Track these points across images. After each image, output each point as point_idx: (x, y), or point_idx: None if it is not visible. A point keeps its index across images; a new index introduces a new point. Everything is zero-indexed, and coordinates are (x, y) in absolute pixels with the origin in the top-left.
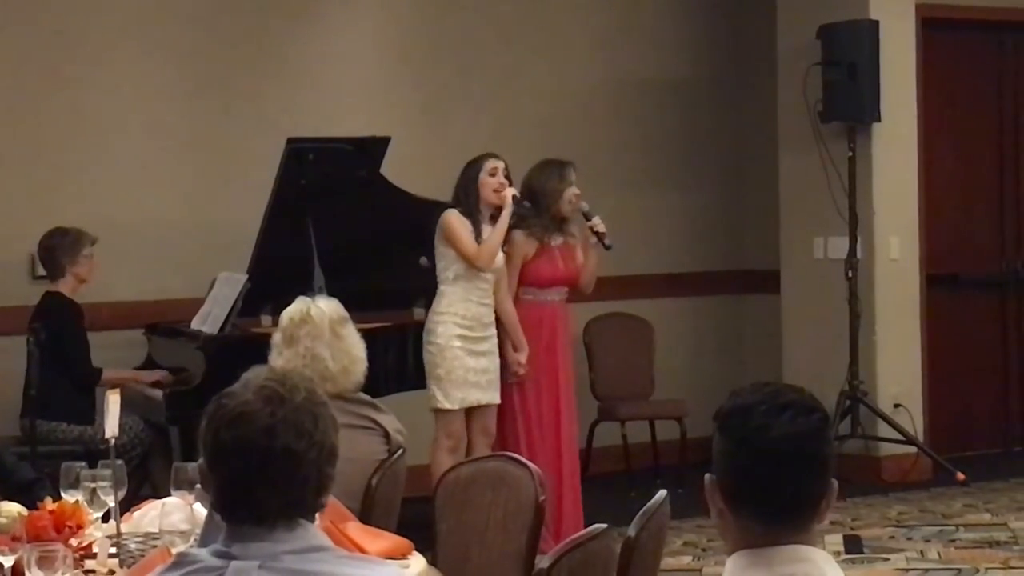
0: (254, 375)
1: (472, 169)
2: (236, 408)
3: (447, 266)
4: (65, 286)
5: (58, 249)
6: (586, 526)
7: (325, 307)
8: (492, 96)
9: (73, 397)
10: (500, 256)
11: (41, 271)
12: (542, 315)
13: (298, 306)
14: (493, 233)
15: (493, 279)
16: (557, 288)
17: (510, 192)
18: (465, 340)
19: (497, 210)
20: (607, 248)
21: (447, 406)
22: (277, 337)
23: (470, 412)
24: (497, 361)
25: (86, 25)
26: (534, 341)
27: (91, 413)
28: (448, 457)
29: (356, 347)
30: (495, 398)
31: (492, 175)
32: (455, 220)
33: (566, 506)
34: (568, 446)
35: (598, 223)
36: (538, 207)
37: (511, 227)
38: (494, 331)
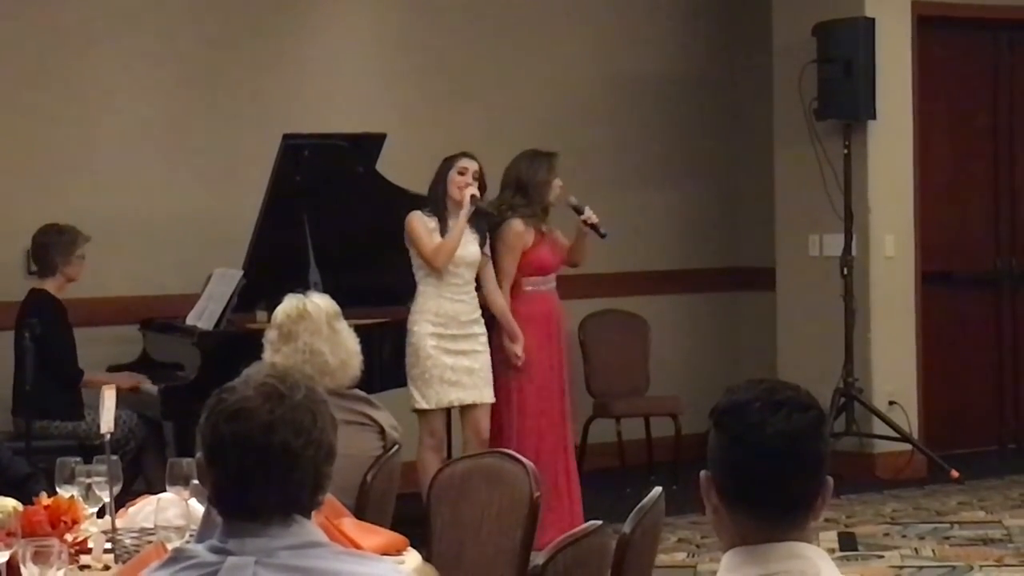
0: (255, 371)
1: (445, 166)
2: (236, 403)
3: (418, 265)
4: (52, 284)
5: (53, 247)
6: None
7: (320, 302)
8: (488, 93)
9: (60, 394)
10: (473, 251)
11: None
12: (546, 306)
13: (293, 302)
14: (449, 233)
15: (470, 275)
16: (553, 275)
17: (469, 191)
18: (440, 338)
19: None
20: (603, 236)
21: (424, 405)
22: (272, 334)
23: (463, 412)
24: (486, 359)
25: (80, 21)
26: (541, 333)
27: (80, 409)
28: (432, 456)
29: (351, 340)
30: (483, 397)
31: (461, 174)
32: (415, 221)
33: (574, 501)
34: (569, 440)
35: (590, 215)
36: (528, 197)
37: (508, 217)
38: (479, 329)
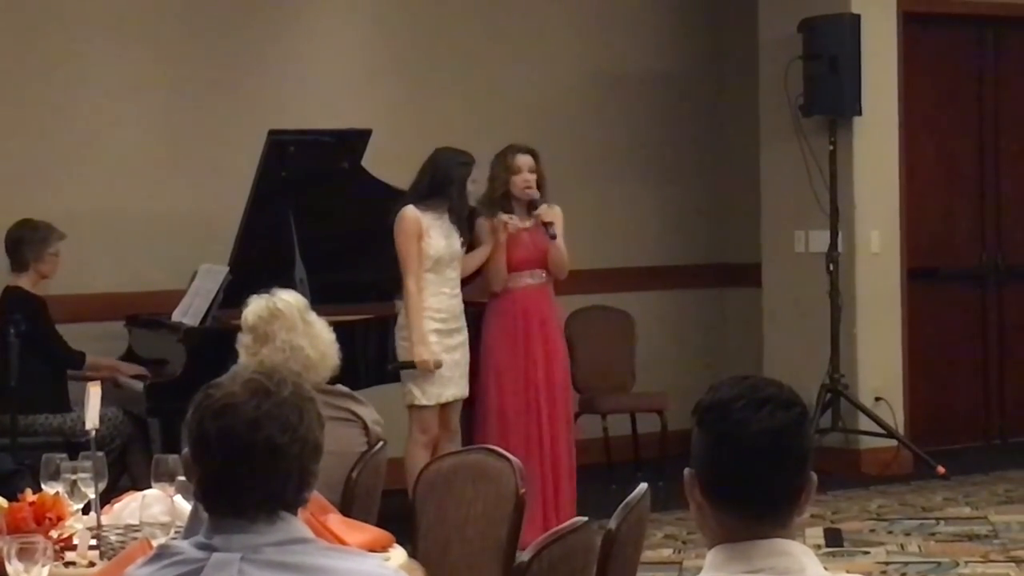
0: (243, 367)
1: (464, 170)
2: (222, 399)
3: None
4: (26, 280)
5: (26, 243)
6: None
7: (288, 298)
8: (473, 89)
9: (46, 388)
10: (457, 245)
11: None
12: (514, 304)
13: (261, 303)
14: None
15: (459, 269)
16: (530, 271)
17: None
18: (441, 334)
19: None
20: (552, 238)
21: (423, 402)
22: (247, 338)
23: (441, 408)
24: (467, 354)
25: (67, 16)
26: (508, 331)
27: (66, 402)
28: (422, 452)
29: (325, 331)
30: (465, 391)
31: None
32: (406, 223)
33: (561, 501)
34: (551, 443)
35: (543, 212)
36: (491, 192)
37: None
38: (463, 323)
